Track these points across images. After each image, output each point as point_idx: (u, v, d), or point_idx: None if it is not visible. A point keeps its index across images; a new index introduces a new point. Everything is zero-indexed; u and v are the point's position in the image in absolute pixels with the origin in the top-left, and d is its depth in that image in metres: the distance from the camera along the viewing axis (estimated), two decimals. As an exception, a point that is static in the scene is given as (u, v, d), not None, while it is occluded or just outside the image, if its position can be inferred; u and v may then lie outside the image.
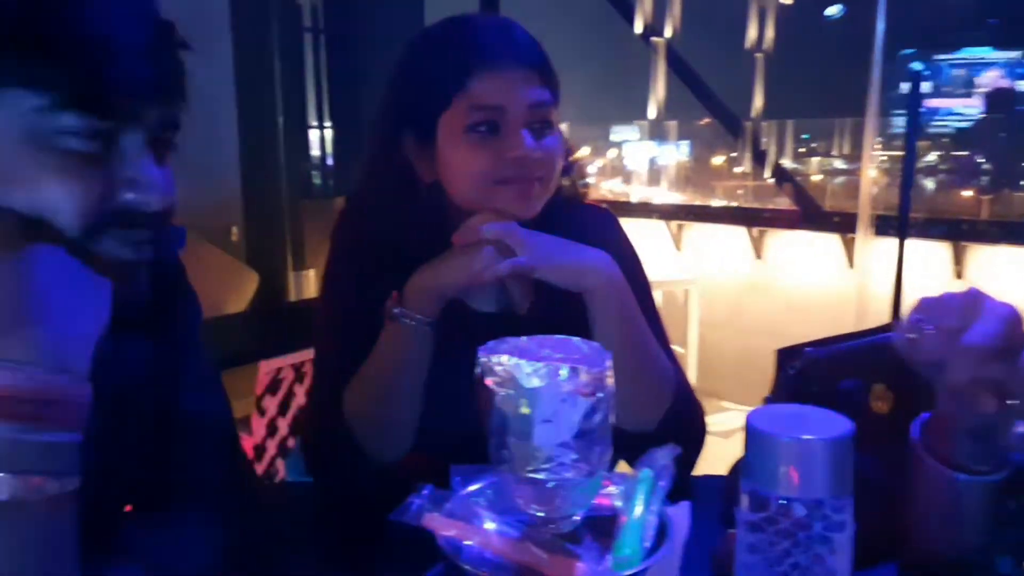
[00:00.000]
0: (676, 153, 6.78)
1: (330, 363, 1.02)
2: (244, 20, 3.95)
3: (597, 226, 1.11)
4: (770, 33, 4.98)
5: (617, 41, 6.05)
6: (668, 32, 5.09)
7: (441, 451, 0.95)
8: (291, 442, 2.85)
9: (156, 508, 0.79)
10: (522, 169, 0.94)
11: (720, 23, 5.53)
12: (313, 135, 4.90)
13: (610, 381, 0.62)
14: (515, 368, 0.59)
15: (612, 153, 8.10)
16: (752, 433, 0.54)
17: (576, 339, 0.67)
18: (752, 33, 4.99)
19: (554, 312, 0.94)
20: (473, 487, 0.68)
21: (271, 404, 2.24)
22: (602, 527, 0.66)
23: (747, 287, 4.61)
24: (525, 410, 0.59)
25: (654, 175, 6.53)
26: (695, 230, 4.91)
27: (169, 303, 0.81)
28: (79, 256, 0.60)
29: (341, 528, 0.91)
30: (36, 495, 0.54)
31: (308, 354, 2.87)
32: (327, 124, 4.94)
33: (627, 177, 6.95)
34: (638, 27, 5.12)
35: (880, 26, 3.78)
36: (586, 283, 0.93)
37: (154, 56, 0.61)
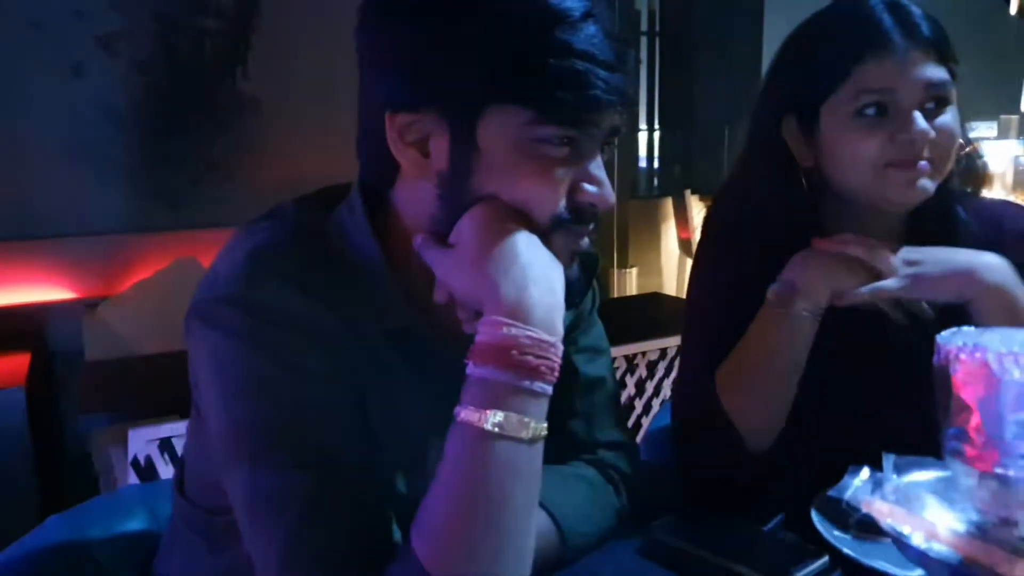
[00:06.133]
0: (1049, 152, 5.80)
1: (703, 345, 1.04)
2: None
3: (1003, 220, 1.02)
4: None
5: (983, 25, 5.34)
6: (1057, 10, 4.39)
7: (813, 439, 0.95)
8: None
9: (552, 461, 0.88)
10: (912, 150, 0.90)
11: None
12: (641, 137, 5.02)
13: (1103, 379, 0.56)
14: (993, 359, 0.57)
15: (963, 153, 7.15)
16: None
17: None
18: None
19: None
20: (914, 476, 0.66)
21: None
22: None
23: None
24: (999, 402, 0.56)
25: (1020, 177, 5.65)
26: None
27: (588, 286, 0.91)
28: (546, 243, 0.70)
29: (712, 510, 0.91)
30: (521, 433, 0.64)
31: (638, 347, 2.95)
32: (656, 127, 5.04)
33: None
34: (1013, 7, 4.48)
35: None
36: (966, 293, 0.89)
37: (618, 72, 0.69)
